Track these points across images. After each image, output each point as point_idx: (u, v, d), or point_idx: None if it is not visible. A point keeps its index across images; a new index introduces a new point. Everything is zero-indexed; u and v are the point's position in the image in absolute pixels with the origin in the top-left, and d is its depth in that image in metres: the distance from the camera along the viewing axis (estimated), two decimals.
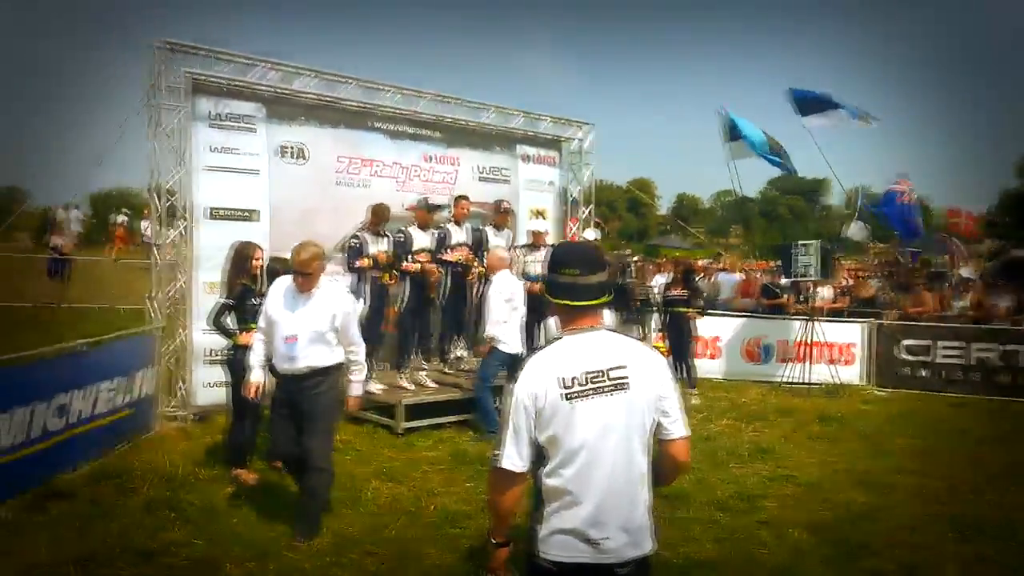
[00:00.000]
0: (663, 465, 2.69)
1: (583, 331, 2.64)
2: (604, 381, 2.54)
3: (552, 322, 4.36)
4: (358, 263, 8.30)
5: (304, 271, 5.08)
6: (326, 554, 4.99)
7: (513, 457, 2.56)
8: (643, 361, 2.62)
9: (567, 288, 2.65)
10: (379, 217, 8.47)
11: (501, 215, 9.51)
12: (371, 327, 8.12)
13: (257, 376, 5.41)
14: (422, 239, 8.70)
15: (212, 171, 8.47)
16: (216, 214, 8.50)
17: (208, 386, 8.20)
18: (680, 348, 10.48)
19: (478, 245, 9.20)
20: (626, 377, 2.56)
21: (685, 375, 10.37)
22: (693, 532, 5.49)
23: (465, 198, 9.37)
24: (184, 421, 8.22)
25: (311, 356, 5.17)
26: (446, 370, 9.37)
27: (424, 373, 8.87)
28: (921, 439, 8.50)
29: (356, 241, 8.40)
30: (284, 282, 5.31)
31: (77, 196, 19.25)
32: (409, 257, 8.55)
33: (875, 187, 16.56)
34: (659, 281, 15.97)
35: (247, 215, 8.68)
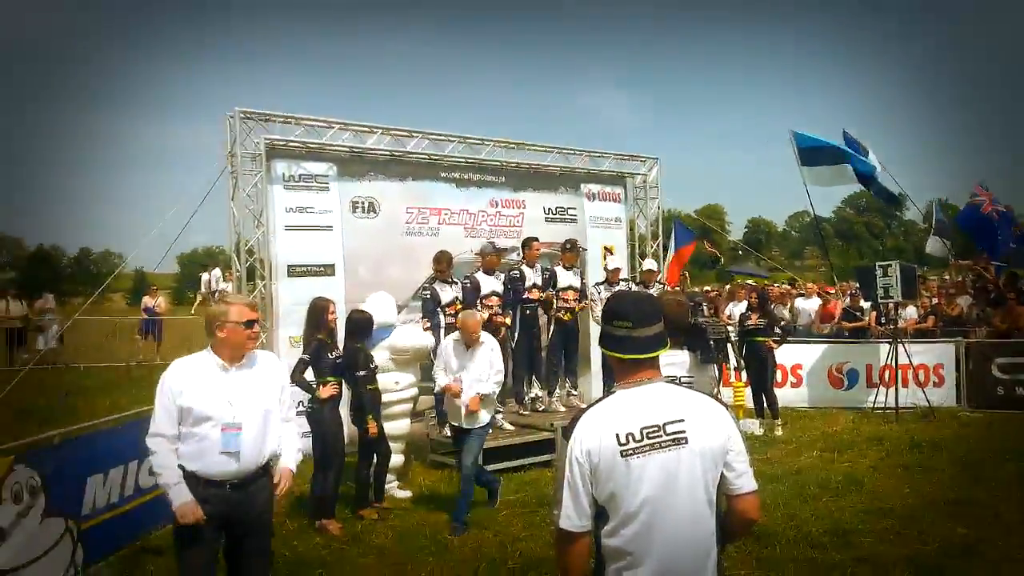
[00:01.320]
0: (731, 521, 2.54)
1: (639, 384, 2.53)
2: (661, 436, 2.43)
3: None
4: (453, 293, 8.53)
5: None
6: None
7: (572, 516, 2.44)
8: (703, 413, 2.50)
9: (620, 341, 2.55)
10: (443, 264, 8.62)
11: (568, 254, 9.56)
12: None
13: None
14: (489, 283, 8.81)
15: (289, 230, 8.83)
16: (294, 271, 8.81)
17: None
18: (761, 379, 10.29)
19: (548, 285, 9.29)
20: (684, 431, 2.44)
21: (767, 406, 10.17)
22: (786, 571, 5.33)
23: (535, 239, 9.48)
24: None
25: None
26: (522, 411, 9.38)
27: (501, 416, 8.91)
28: (1021, 462, 8.09)
29: (428, 292, 8.58)
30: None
31: (167, 261, 20.00)
32: (479, 304, 8.65)
33: (952, 199, 16.03)
34: (733, 310, 15.77)
35: (323, 270, 8.97)
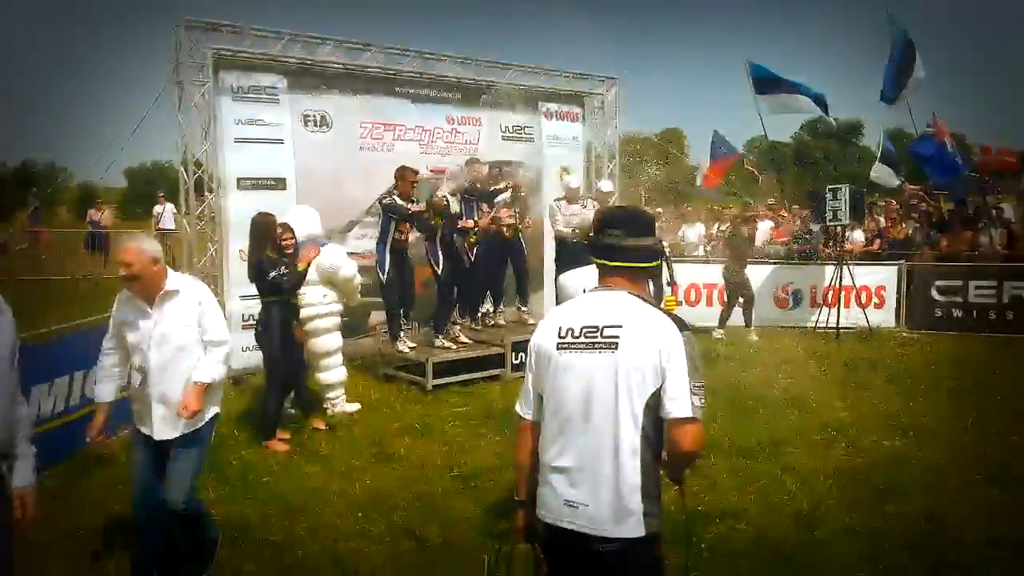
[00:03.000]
0: (667, 448, 2.40)
1: (607, 289, 2.57)
2: (596, 337, 2.43)
3: (570, 280, 4.24)
4: (415, 208, 8.22)
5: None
6: (357, 509, 5.18)
7: (521, 402, 2.62)
8: (645, 325, 2.41)
9: (607, 248, 2.58)
10: (409, 182, 8.30)
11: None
12: (399, 288, 8.34)
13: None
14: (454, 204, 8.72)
15: (238, 143, 8.65)
16: (244, 184, 8.69)
17: (245, 350, 8.32)
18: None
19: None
20: (618, 337, 2.40)
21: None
22: (718, 481, 5.56)
23: (476, 160, 9.43)
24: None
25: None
26: (474, 326, 9.49)
27: (457, 329, 8.99)
28: (952, 380, 8.47)
29: (388, 200, 8.31)
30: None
31: (112, 170, 19.50)
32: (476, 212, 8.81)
33: (909, 127, 16.26)
34: (687, 231, 15.97)
35: (274, 184, 8.85)
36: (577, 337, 2.46)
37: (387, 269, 8.26)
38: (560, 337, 2.49)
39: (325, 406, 7.22)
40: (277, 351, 6.55)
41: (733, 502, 5.23)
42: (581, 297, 2.64)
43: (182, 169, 8.65)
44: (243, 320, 8.46)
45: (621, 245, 2.55)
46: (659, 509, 2.43)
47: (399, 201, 8.18)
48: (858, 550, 4.55)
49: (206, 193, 8.72)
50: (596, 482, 2.39)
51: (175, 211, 17.06)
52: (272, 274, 6.39)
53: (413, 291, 8.81)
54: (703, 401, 2.37)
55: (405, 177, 8.29)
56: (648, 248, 2.59)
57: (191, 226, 8.72)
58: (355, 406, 7.40)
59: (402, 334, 8.57)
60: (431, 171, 9.59)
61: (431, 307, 8.89)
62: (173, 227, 17.02)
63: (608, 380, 2.39)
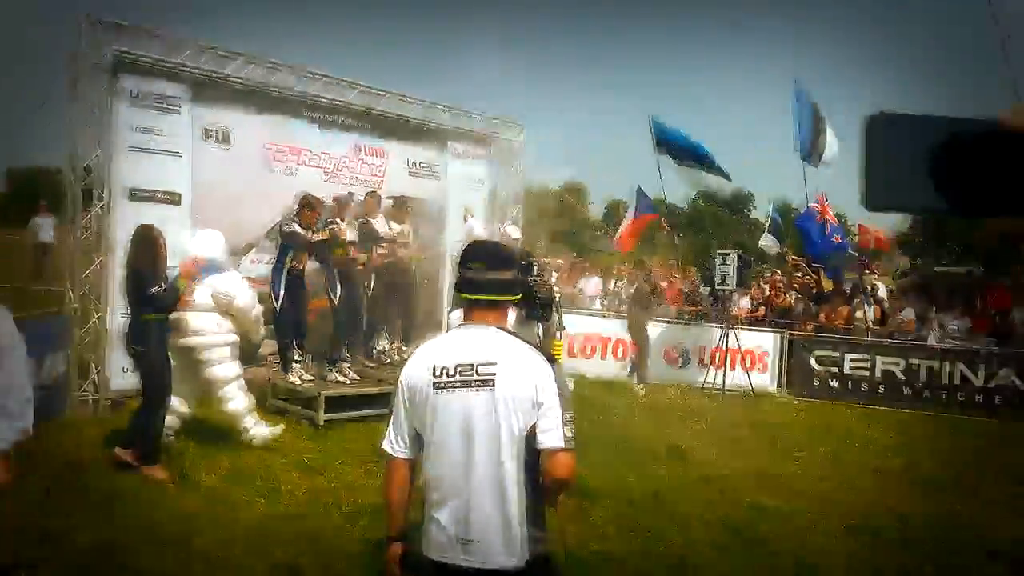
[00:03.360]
0: (544, 478, 2.50)
1: (475, 325, 2.61)
2: (472, 376, 2.48)
3: (454, 316, 4.32)
4: (317, 236, 8.07)
5: None
6: (237, 543, 4.92)
7: (391, 439, 2.60)
8: (518, 361, 2.51)
9: (468, 282, 2.63)
10: (314, 211, 8.16)
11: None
12: (293, 318, 8.08)
13: None
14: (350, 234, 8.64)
15: (133, 151, 8.24)
16: (136, 195, 8.27)
17: (125, 372, 7.90)
18: None
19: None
20: (493, 375, 2.47)
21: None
22: (606, 529, 5.60)
23: (374, 194, 9.43)
24: (96, 406, 8.00)
25: None
26: (367, 363, 9.31)
27: (348, 366, 8.79)
28: (827, 446, 8.82)
29: (289, 228, 8.12)
30: None
31: None
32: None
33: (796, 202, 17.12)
34: (586, 284, 16.24)
35: (168, 197, 8.47)
36: (452, 376, 2.50)
37: (281, 297, 8.03)
38: (435, 376, 2.51)
39: (242, 437, 6.90)
40: (157, 370, 6.19)
41: (617, 548, 5.27)
42: (450, 333, 2.68)
43: (69, 173, 8.13)
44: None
45: (484, 279, 2.61)
46: (544, 533, 2.53)
47: (299, 229, 7.99)
48: None
49: (94, 202, 8.22)
50: (484, 517, 2.45)
51: (56, 223, 16.17)
52: (152, 290, 5.98)
53: (306, 320, 8.56)
54: (573, 431, 2.48)
55: (311, 206, 8.13)
56: (509, 281, 2.66)
57: (76, 237, 8.17)
58: (278, 428, 7.10)
59: (295, 365, 8.30)
60: (333, 199, 9.41)
61: (325, 340, 8.66)
62: (51, 239, 16.10)
63: (488, 417, 2.46)
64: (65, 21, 7.94)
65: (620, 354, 12.37)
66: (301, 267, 8.19)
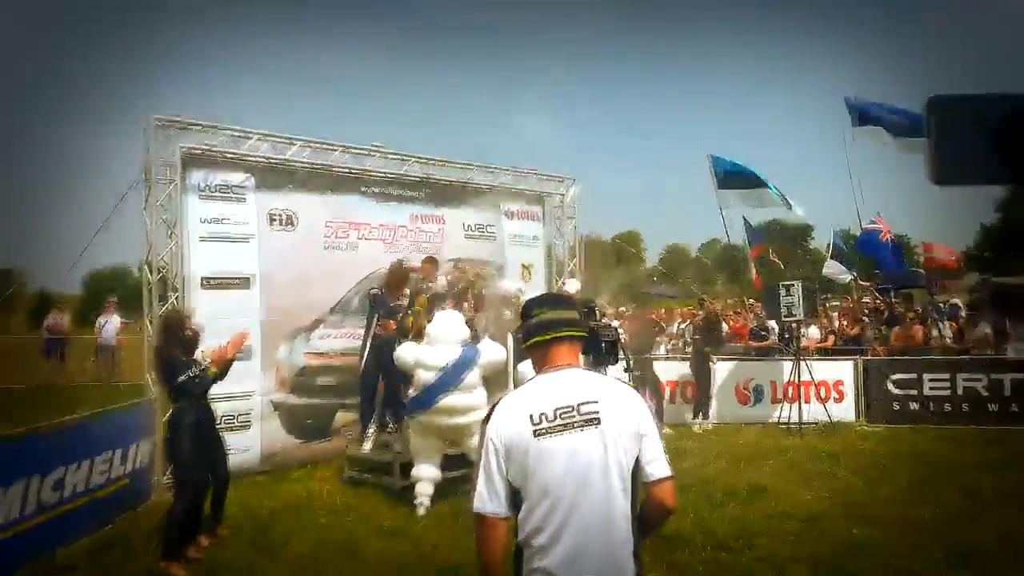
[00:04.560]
0: (647, 509, 2.53)
1: (557, 369, 2.60)
2: (574, 416, 2.47)
3: (522, 368, 4.35)
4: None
5: None
6: None
7: (485, 498, 2.47)
8: (617, 397, 2.54)
9: (536, 327, 2.66)
10: (404, 279, 8.60)
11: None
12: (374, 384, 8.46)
13: None
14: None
15: (204, 241, 8.62)
16: (208, 284, 8.62)
17: None
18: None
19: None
20: (597, 412, 2.47)
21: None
22: (694, 573, 5.53)
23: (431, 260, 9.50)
24: None
25: None
26: None
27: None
28: (914, 470, 8.56)
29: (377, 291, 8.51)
30: None
31: (71, 275, 19.29)
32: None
33: (855, 229, 16.82)
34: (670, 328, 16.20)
35: (239, 282, 8.82)
36: (552, 421, 2.46)
37: (364, 360, 8.25)
38: (535, 424, 2.46)
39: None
40: (183, 459, 6.01)
41: None
42: (535, 381, 2.62)
43: (146, 268, 8.52)
44: None
45: (551, 319, 2.65)
46: (643, 569, 2.53)
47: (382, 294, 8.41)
48: None
49: (169, 294, 8.59)
50: (597, 558, 2.42)
51: (122, 321, 16.73)
52: (181, 377, 5.94)
53: (394, 387, 8.55)
54: (668, 458, 2.55)
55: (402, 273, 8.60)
56: (574, 320, 2.70)
57: (153, 328, 8.49)
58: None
59: (370, 432, 8.44)
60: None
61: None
62: (113, 342, 16.39)
63: (598, 455, 2.44)
64: (131, 123, 8.35)
65: (689, 395, 12.23)
66: (386, 332, 8.36)
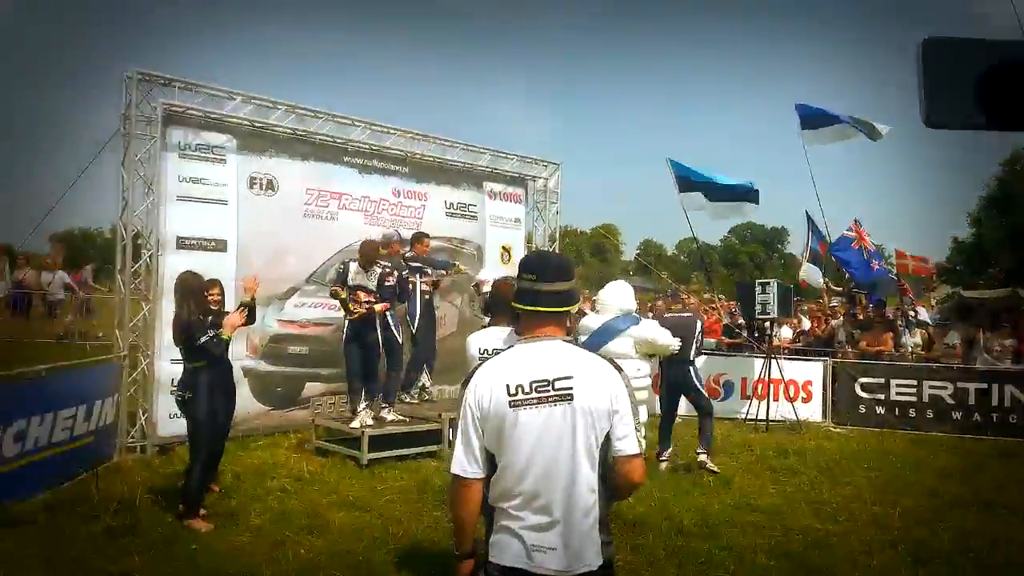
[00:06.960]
0: (616, 483, 2.59)
1: (537, 339, 2.61)
2: (549, 391, 2.50)
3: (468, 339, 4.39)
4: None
5: None
6: None
7: (463, 462, 2.54)
8: (592, 373, 2.55)
9: (523, 293, 2.65)
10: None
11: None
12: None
13: None
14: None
15: (181, 201, 8.49)
16: (184, 244, 8.51)
17: (173, 417, 8.02)
18: None
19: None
20: (571, 388, 2.51)
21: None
22: (657, 557, 5.55)
23: (425, 235, 9.51)
24: (145, 452, 8.15)
25: None
26: (409, 401, 9.35)
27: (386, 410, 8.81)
28: (878, 471, 8.66)
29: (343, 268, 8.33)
30: None
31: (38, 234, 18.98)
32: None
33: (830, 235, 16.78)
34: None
35: (215, 245, 8.70)
36: (528, 393, 2.50)
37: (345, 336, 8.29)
38: (511, 395, 2.51)
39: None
40: (201, 419, 6.15)
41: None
42: (516, 349, 2.63)
43: (120, 225, 8.39)
44: (172, 385, 8.17)
45: (536, 290, 2.62)
46: (611, 537, 2.62)
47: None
48: None
49: (142, 252, 8.47)
50: (563, 526, 2.48)
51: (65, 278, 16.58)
52: (203, 339, 6.04)
53: (375, 360, 8.48)
54: (642, 435, 2.61)
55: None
56: (567, 294, 2.66)
57: (125, 286, 8.39)
58: None
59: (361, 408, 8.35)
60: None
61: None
62: (60, 296, 16.39)
63: (567, 430, 2.49)
64: (115, 78, 8.20)
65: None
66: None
